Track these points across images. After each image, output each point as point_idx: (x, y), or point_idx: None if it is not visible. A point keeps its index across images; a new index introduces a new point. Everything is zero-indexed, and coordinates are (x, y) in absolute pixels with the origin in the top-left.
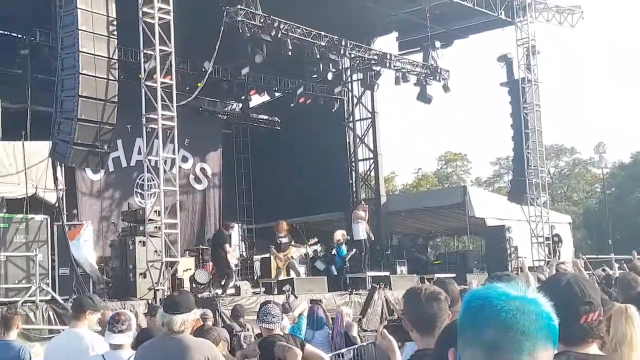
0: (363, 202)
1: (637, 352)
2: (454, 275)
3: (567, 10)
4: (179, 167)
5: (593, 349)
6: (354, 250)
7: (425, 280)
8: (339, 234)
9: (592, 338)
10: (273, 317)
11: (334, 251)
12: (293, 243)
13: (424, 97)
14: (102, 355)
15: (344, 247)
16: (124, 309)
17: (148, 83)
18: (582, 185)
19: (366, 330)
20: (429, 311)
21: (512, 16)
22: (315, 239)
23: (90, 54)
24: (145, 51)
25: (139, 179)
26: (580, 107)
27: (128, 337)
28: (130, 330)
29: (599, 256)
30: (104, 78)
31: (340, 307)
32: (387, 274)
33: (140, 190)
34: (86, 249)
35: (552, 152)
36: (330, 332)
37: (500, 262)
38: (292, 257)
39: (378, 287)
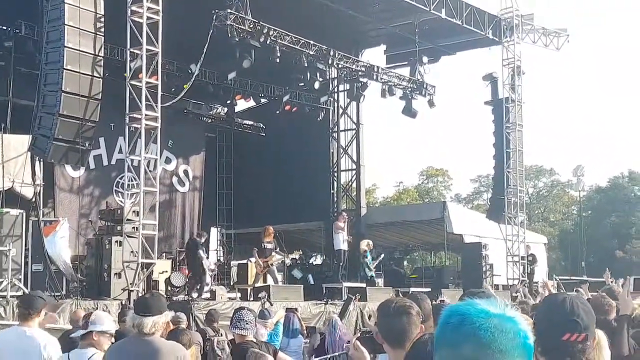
0: (344, 213)
1: None
2: (429, 290)
3: (553, 32)
4: (163, 168)
5: None
6: (382, 255)
7: (400, 294)
8: (364, 244)
9: (571, 358)
10: (247, 323)
11: (311, 260)
12: (277, 250)
13: (409, 111)
14: (68, 354)
15: (369, 257)
16: (97, 308)
17: (133, 82)
18: (559, 206)
19: None
20: (399, 325)
21: (499, 36)
22: (300, 252)
23: (76, 49)
24: (131, 50)
25: (120, 178)
26: (561, 129)
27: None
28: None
29: (572, 277)
30: (89, 75)
31: (331, 314)
32: (364, 285)
33: (120, 190)
34: (61, 246)
35: (531, 172)
36: (305, 340)
37: (475, 279)
38: (271, 264)
39: (354, 298)
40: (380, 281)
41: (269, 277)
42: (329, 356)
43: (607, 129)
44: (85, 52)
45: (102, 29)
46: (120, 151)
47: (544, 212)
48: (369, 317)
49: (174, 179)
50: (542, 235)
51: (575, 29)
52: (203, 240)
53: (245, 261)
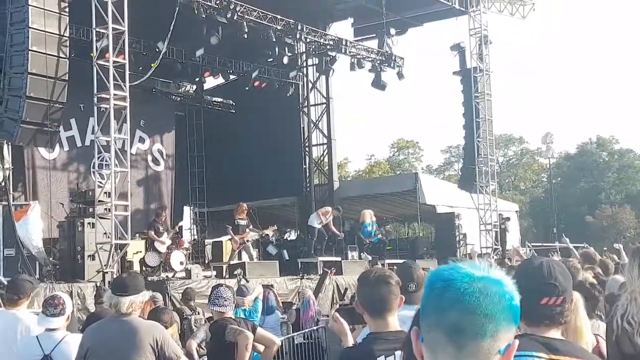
0: (332, 210)
1: (583, 336)
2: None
3: (519, 1)
4: (137, 147)
5: (553, 333)
6: (379, 235)
7: (378, 263)
8: (363, 215)
9: (551, 322)
10: (225, 300)
11: (285, 236)
12: (251, 227)
13: (378, 84)
14: (37, 337)
15: (369, 228)
16: (71, 292)
17: (100, 62)
18: (529, 174)
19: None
20: (378, 294)
21: (465, 6)
22: (275, 227)
23: (41, 30)
24: (97, 29)
25: (99, 159)
26: (529, 98)
27: (62, 321)
28: (64, 314)
29: (544, 244)
30: (55, 55)
31: (306, 289)
32: (339, 259)
33: (98, 170)
34: (32, 230)
35: (501, 141)
36: (282, 316)
37: (449, 249)
38: (247, 240)
39: (329, 272)
40: (355, 254)
41: (244, 254)
42: (304, 331)
43: (575, 95)
44: (51, 33)
45: (67, 9)
46: (93, 132)
47: (514, 181)
48: (345, 290)
49: (149, 158)
50: (514, 203)
51: None
52: (158, 219)
53: (219, 239)
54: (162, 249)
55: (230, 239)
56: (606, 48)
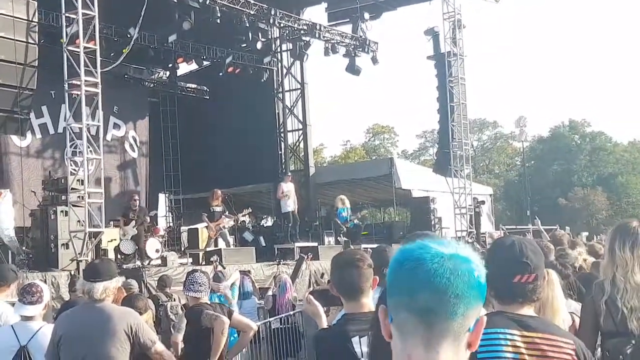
0: (289, 174)
1: (559, 314)
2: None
3: None
4: (112, 134)
5: (526, 310)
6: (355, 219)
7: (351, 246)
8: (336, 200)
9: (523, 299)
10: (200, 285)
11: (262, 222)
12: (227, 213)
13: (352, 69)
14: (12, 326)
15: (344, 213)
16: (45, 280)
17: (70, 48)
18: (503, 158)
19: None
20: (348, 277)
21: None
22: (249, 209)
23: (9, 15)
24: (67, 14)
25: (72, 147)
26: (503, 82)
27: (38, 309)
28: (42, 303)
29: (518, 226)
30: (23, 41)
31: (282, 273)
32: (315, 244)
33: (72, 158)
34: (4, 218)
35: (475, 125)
36: (259, 301)
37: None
38: (224, 226)
39: (306, 257)
40: (331, 239)
41: (220, 240)
42: (281, 316)
43: (547, 79)
44: (19, 18)
45: None
46: (66, 119)
47: (488, 165)
48: (322, 275)
49: (126, 145)
50: (488, 187)
51: None
52: (131, 206)
53: (195, 226)
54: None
55: (206, 227)
56: (578, 32)
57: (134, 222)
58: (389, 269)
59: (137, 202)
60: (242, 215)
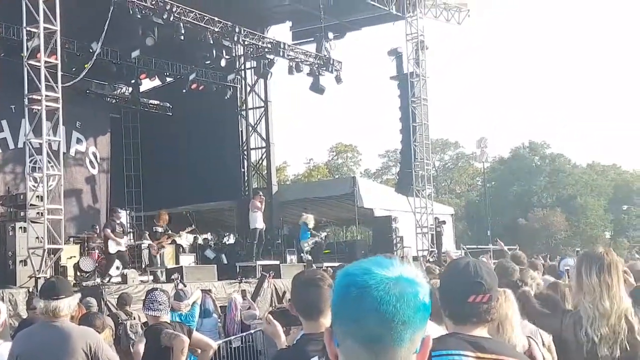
0: (260, 193)
1: (516, 330)
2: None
3: (454, 7)
4: (75, 149)
5: (480, 331)
6: (316, 239)
7: (314, 265)
8: (303, 218)
9: (478, 319)
10: (160, 304)
11: (224, 240)
12: (169, 232)
13: (316, 88)
14: None
15: (309, 232)
16: (2, 298)
17: (31, 62)
18: (465, 178)
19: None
20: (308, 297)
21: (402, 11)
22: (191, 227)
23: None
24: (28, 28)
25: (31, 162)
26: (465, 103)
27: None
28: None
29: (479, 246)
30: None
31: (231, 294)
32: (277, 262)
33: (32, 173)
34: None
35: (437, 145)
36: (219, 320)
37: (386, 252)
38: (164, 245)
39: (267, 275)
40: (294, 258)
41: (181, 257)
42: (242, 334)
43: (508, 101)
44: None
45: None
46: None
47: (450, 184)
48: (284, 293)
49: (87, 160)
50: (449, 206)
51: (475, 4)
52: (116, 218)
53: (140, 242)
54: (113, 249)
55: (149, 244)
56: (539, 54)
57: (122, 233)
58: (333, 293)
59: (120, 216)
60: (183, 232)
